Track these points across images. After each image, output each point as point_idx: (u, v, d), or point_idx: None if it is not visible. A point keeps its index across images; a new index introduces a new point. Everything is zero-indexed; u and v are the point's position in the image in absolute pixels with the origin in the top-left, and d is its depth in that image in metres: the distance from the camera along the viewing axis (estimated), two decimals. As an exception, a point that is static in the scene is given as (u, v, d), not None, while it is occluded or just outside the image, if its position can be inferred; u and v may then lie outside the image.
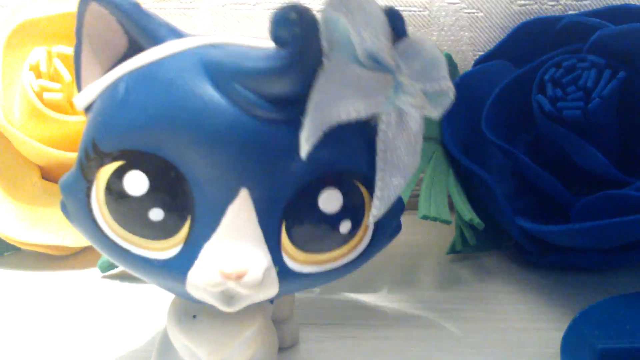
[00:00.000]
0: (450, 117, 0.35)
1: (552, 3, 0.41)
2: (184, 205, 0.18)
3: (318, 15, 0.16)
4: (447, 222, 0.31)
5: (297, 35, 0.16)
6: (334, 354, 0.26)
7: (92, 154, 0.18)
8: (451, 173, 0.34)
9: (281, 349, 0.26)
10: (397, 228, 0.22)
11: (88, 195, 0.18)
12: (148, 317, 0.29)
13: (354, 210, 0.19)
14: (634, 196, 0.29)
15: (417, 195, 0.32)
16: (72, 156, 0.33)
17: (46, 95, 0.32)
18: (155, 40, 0.18)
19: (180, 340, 0.21)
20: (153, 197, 0.18)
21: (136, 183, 0.18)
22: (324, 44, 0.16)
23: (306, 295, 0.31)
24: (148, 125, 0.17)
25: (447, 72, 0.18)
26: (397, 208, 0.20)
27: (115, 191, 0.18)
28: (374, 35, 0.17)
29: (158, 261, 0.18)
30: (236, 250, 0.18)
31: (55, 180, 0.34)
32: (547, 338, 0.27)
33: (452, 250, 0.35)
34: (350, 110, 0.17)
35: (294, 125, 0.17)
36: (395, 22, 0.18)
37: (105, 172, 0.18)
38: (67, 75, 0.33)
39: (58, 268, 0.34)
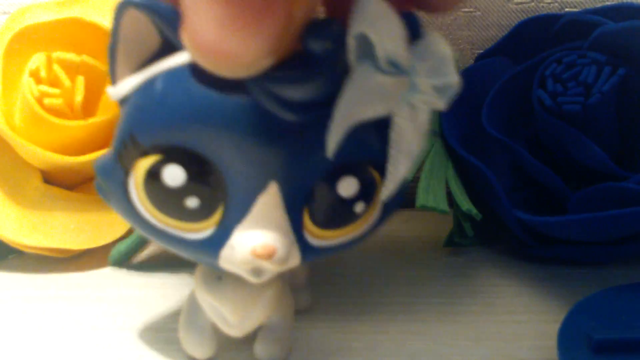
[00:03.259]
0: (450, 111, 0.35)
1: (549, 1, 0.41)
2: (217, 194, 0.20)
3: (346, 30, 0.17)
4: (444, 212, 0.31)
5: (329, 50, 0.17)
6: (332, 348, 0.27)
7: (131, 146, 0.20)
8: (450, 166, 0.34)
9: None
10: (401, 201, 0.23)
11: (125, 182, 0.20)
12: (152, 318, 0.29)
13: (367, 192, 0.21)
14: (631, 189, 0.30)
15: (413, 192, 0.32)
16: (73, 160, 0.33)
17: (46, 101, 0.33)
18: None
19: (206, 300, 0.24)
20: (189, 187, 0.19)
21: (174, 175, 0.19)
22: (351, 56, 0.18)
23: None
24: (185, 123, 0.19)
25: (454, 67, 0.19)
26: (403, 186, 0.22)
27: (153, 181, 0.20)
28: (394, 42, 0.18)
29: (193, 240, 0.20)
30: (265, 233, 0.20)
31: (57, 184, 0.35)
32: (543, 330, 0.27)
33: (450, 242, 0.36)
34: (371, 112, 0.18)
35: (319, 126, 0.18)
36: (412, 25, 0.19)
37: (144, 163, 0.20)
38: (67, 81, 0.33)
39: (61, 270, 0.34)
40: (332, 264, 0.35)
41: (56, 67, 0.33)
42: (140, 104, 0.20)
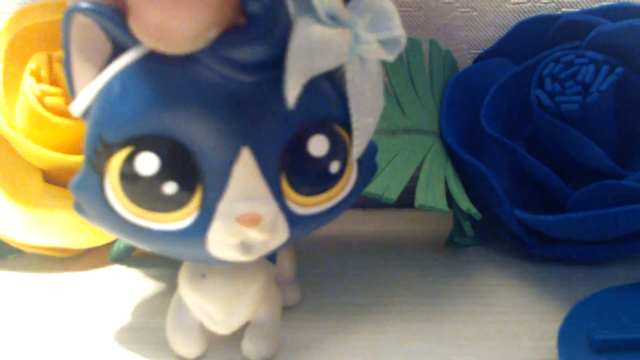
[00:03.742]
0: (449, 112, 0.36)
1: (546, 1, 0.41)
2: (193, 174, 0.20)
3: None
4: (443, 212, 0.31)
5: (269, 7, 0.19)
6: (332, 348, 0.27)
7: (101, 149, 0.20)
8: (449, 165, 0.34)
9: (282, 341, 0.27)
10: (374, 168, 0.24)
11: (102, 187, 0.20)
12: (152, 317, 0.29)
13: (339, 151, 0.22)
14: (630, 187, 0.30)
15: (412, 192, 0.32)
16: (73, 159, 0.33)
17: (47, 100, 0.33)
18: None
19: (191, 298, 0.24)
20: (164, 172, 0.20)
21: (147, 163, 0.19)
22: (291, 10, 0.19)
23: (303, 292, 0.31)
24: (148, 110, 0.19)
25: (398, 21, 0.21)
26: (372, 149, 0.23)
27: (129, 175, 0.20)
28: None
29: (178, 230, 0.20)
30: (248, 203, 0.20)
31: (57, 183, 0.35)
32: (544, 330, 0.28)
33: (450, 241, 0.36)
34: (322, 64, 0.19)
35: (276, 83, 0.19)
36: None
37: (116, 160, 0.20)
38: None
39: (61, 270, 0.34)
40: (331, 263, 0.35)
41: (57, 67, 0.33)
42: (103, 105, 0.20)
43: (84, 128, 0.33)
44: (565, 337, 0.25)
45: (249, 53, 0.19)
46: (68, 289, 0.32)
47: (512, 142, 0.34)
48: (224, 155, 0.20)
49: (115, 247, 0.33)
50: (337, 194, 0.22)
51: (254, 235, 0.20)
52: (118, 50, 0.20)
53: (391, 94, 0.34)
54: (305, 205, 0.22)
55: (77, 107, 0.21)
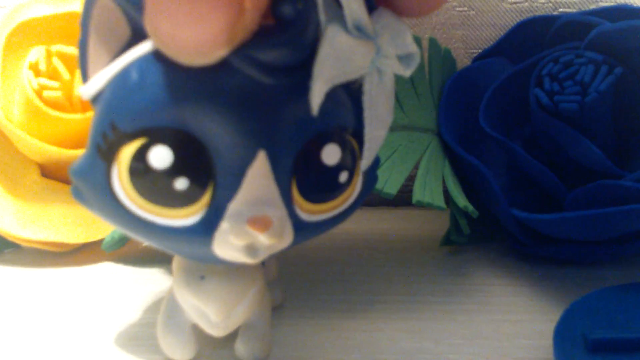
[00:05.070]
0: (447, 110, 0.36)
1: (543, 0, 0.41)
2: (206, 172, 0.19)
3: None
4: (440, 209, 0.31)
5: (301, 12, 0.18)
6: (328, 345, 0.27)
7: (112, 136, 0.19)
8: (447, 164, 0.35)
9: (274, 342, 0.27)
10: (375, 180, 0.24)
11: (108, 176, 0.19)
12: (148, 312, 0.29)
13: (349, 161, 0.21)
14: (627, 187, 0.30)
15: (409, 191, 0.32)
16: (71, 153, 0.33)
17: (45, 94, 0.33)
18: None
19: (188, 301, 0.23)
20: (177, 167, 0.19)
21: (161, 156, 0.19)
22: (321, 17, 0.18)
23: (300, 291, 0.31)
24: (167, 102, 0.18)
25: (412, 39, 0.21)
26: (376, 161, 0.23)
27: (140, 167, 0.19)
28: (359, 7, 0.19)
29: (184, 227, 0.20)
30: (259, 206, 0.20)
31: (55, 178, 0.35)
32: (539, 329, 0.28)
33: (447, 240, 0.36)
34: (346, 73, 0.19)
35: (297, 88, 0.19)
36: None
37: (128, 150, 0.19)
38: (66, 74, 0.33)
39: (58, 265, 0.34)
40: (327, 261, 0.35)
41: (55, 60, 0.33)
42: (118, 92, 0.19)
43: (82, 122, 0.33)
44: (561, 336, 0.25)
45: (276, 56, 0.19)
46: (64, 284, 0.32)
47: (510, 141, 0.34)
48: (240, 155, 0.19)
49: (109, 238, 0.34)
50: (341, 204, 0.22)
51: (262, 239, 0.20)
52: (136, 36, 0.19)
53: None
54: (311, 212, 0.21)
55: (89, 90, 0.20)
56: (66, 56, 0.33)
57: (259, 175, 0.20)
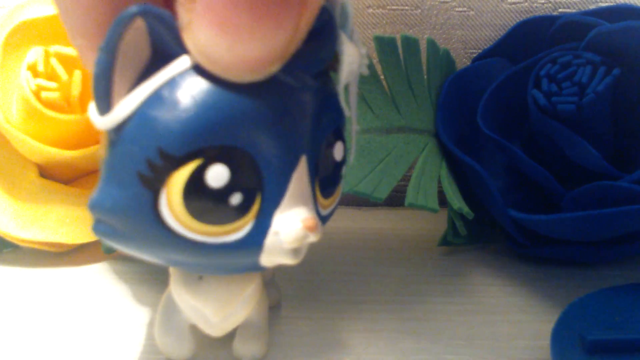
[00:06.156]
0: (445, 111, 0.36)
1: (542, 1, 0.41)
2: (256, 183, 0.19)
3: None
4: (433, 211, 0.31)
5: (328, 21, 0.19)
6: (325, 346, 0.27)
7: (160, 162, 0.18)
8: (444, 165, 0.35)
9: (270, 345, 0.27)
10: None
11: (155, 205, 0.19)
12: (147, 312, 0.29)
13: (344, 156, 0.23)
14: (625, 188, 0.30)
15: (403, 191, 0.32)
16: (69, 154, 0.33)
17: (43, 95, 0.32)
18: None
19: (187, 301, 0.23)
20: (233, 184, 0.19)
21: (218, 175, 0.19)
22: (338, 23, 0.20)
23: (296, 290, 0.31)
24: (220, 120, 0.18)
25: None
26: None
27: (196, 189, 0.18)
28: (351, 17, 0.21)
29: (233, 242, 0.20)
30: (304, 208, 0.21)
31: (53, 178, 0.35)
32: (537, 330, 0.28)
33: (444, 241, 0.36)
34: (350, 75, 0.21)
35: (321, 91, 0.21)
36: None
37: (182, 174, 0.18)
38: (64, 75, 0.33)
39: (56, 265, 0.34)
40: (324, 261, 0.35)
41: (53, 61, 0.33)
42: (160, 117, 0.18)
43: (80, 123, 0.33)
44: (558, 337, 0.25)
45: (313, 64, 0.20)
46: (63, 284, 0.32)
47: (508, 142, 0.34)
48: (285, 162, 0.20)
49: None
50: (338, 196, 0.23)
51: (312, 238, 0.20)
52: (157, 57, 0.19)
53: (387, 92, 0.34)
54: (324, 207, 0.22)
55: (113, 118, 0.18)
56: (64, 57, 0.33)
57: (299, 179, 0.20)
